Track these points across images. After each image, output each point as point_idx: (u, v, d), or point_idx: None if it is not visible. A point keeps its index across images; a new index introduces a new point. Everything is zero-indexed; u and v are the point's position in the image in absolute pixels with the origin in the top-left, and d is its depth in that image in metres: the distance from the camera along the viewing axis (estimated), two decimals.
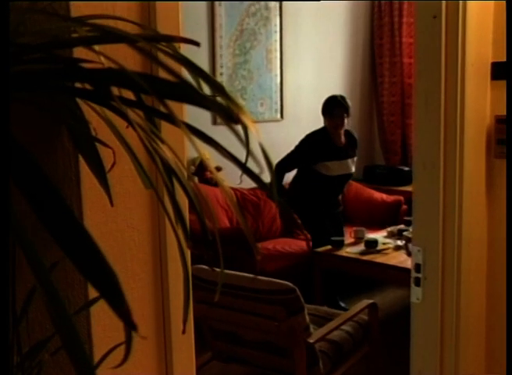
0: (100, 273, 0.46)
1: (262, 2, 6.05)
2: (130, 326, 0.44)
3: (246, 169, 0.58)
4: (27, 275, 0.84)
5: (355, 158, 5.52)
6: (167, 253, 1.37)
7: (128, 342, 0.53)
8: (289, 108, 6.46)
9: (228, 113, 0.51)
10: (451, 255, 2.25)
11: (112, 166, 0.92)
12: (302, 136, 6.47)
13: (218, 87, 0.57)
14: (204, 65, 5.61)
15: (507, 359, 2.04)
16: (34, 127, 0.79)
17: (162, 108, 0.55)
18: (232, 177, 5.72)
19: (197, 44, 0.65)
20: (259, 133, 0.60)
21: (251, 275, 3.57)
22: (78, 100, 0.85)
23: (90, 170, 0.89)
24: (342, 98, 5.37)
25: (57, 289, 0.45)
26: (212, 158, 3.94)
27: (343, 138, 5.42)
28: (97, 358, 1.05)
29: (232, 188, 5.72)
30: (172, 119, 0.55)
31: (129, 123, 0.65)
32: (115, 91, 0.67)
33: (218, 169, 5.33)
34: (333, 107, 5.31)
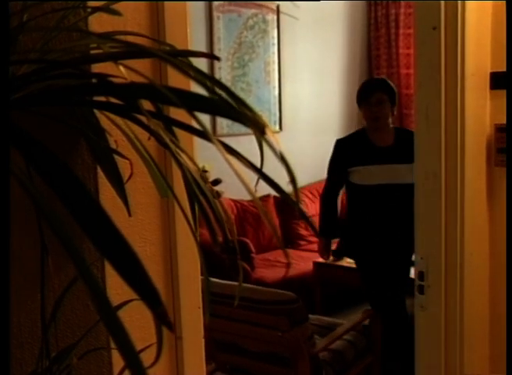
0: (137, 275, 0.48)
1: (260, 15, 6.10)
2: (167, 325, 0.47)
3: (269, 181, 0.61)
4: (55, 283, 0.86)
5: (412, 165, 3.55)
6: (178, 264, 1.39)
7: (159, 343, 0.55)
8: (287, 120, 6.50)
9: (257, 125, 0.54)
10: (454, 263, 2.27)
11: (130, 177, 0.95)
12: (301, 147, 6.51)
13: (241, 101, 0.60)
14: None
15: (507, 361, 2.06)
16: (54, 140, 0.81)
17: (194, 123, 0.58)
18: (231, 190, 5.66)
19: (217, 58, 0.68)
20: (280, 144, 0.63)
21: (254, 286, 3.59)
22: (97, 113, 0.88)
23: (109, 182, 0.91)
24: (382, 80, 4.13)
25: (99, 283, 0.48)
26: (213, 170, 3.92)
27: (388, 136, 3.86)
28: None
29: (232, 200, 5.74)
30: (204, 134, 0.58)
31: (153, 134, 0.68)
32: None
33: (219, 181, 5.36)
34: (370, 91, 3.83)
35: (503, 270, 2.39)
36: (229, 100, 0.62)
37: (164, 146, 0.63)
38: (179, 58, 0.78)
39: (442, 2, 2.15)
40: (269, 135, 0.62)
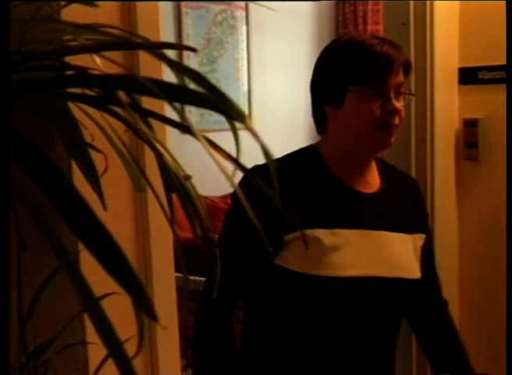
0: (121, 267, 0.48)
1: (229, 11, 6.09)
2: (152, 317, 0.46)
3: (251, 175, 0.61)
4: (33, 277, 0.85)
5: (424, 236, 1.57)
6: (152, 260, 1.39)
7: (140, 335, 0.55)
8: (257, 117, 6.49)
9: (241, 116, 0.54)
10: None
11: (105, 171, 0.94)
12: (271, 144, 6.45)
13: (219, 94, 0.60)
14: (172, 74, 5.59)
15: (507, 360, 2.07)
16: (28, 133, 0.80)
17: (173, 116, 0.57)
18: (200, 186, 5.68)
19: (194, 50, 0.67)
20: (259, 137, 0.63)
21: None
22: (72, 106, 0.87)
23: (83, 175, 0.90)
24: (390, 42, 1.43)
25: (81, 273, 0.47)
26: (182, 167, 3.91)
27: (376, 170, 1.58)
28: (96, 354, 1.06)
29: (202, 197, 5.73)
30: (187, 128, 0.57)
31: (130, 127, 0.67)
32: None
33: (187, 177, 5.33)
34: (391, 66, 1.40)
35: (472, 255, 2.43)
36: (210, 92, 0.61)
37: (142, 139, 0.62)
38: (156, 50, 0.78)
39: (412, 2, 2.18)
40: (253, 128, 0.62)
